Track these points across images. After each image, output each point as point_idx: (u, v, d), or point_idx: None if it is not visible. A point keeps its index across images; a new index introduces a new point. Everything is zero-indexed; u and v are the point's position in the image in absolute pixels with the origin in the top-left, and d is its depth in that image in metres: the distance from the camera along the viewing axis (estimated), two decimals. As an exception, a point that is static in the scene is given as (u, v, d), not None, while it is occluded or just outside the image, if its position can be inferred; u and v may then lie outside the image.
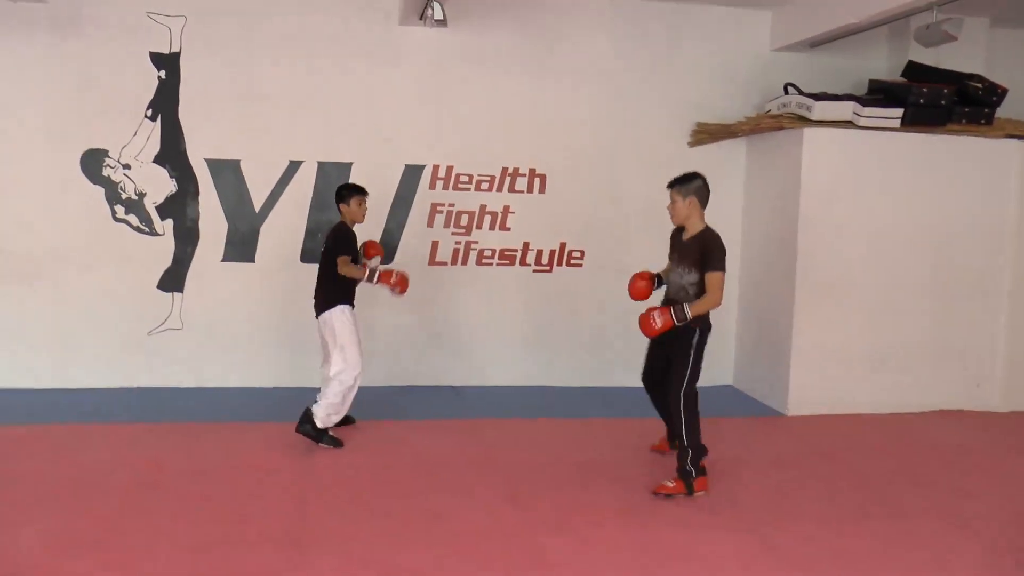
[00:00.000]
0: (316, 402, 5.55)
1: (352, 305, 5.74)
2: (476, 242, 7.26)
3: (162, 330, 6.96)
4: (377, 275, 5.67)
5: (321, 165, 6.99)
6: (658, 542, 4.29)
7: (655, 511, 4.69)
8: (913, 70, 7.14)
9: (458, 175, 7.18)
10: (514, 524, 4.44)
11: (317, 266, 5.82)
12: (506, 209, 7.26)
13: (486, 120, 7.17)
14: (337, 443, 5.56)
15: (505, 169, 7.23)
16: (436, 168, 7.15)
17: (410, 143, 7.09)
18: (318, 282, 5.76)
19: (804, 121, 6.64)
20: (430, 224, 7.18)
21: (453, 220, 7.22)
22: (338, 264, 5.56)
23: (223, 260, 6.99)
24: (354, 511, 4.51)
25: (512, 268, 7.32)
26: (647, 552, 4.17)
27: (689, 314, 4.79)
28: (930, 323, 6.97)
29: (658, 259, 7.39)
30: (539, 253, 7.33)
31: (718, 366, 7.62)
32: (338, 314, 5.62)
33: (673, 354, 5.00)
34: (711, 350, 7.51)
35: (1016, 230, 7.03)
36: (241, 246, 7.00)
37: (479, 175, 7.21)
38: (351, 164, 7.02)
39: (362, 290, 5.80)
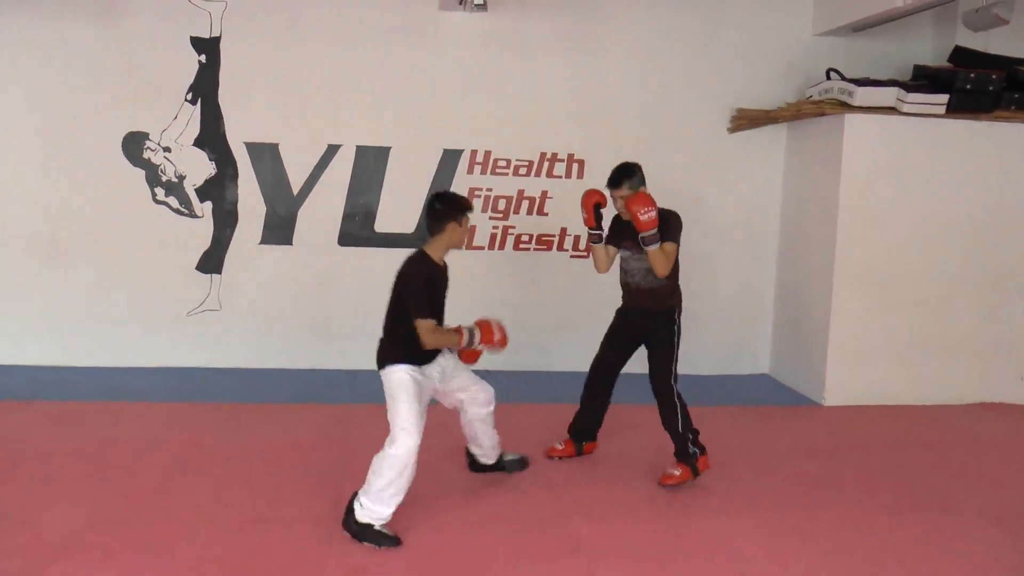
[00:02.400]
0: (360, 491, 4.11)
1: (417, 363, 4.24)
2: (513, 227, 7.25)
3: (201, 311, 7.04)
4: (478, 338, 4.35)
5: (359, 149, 7.01)
6: (688, 530, 4.27)
7: (686, 499, 4.67)
8: (960, 55, 6.97)
9: (496, 160, 7.16)
10: (548, 510, 4.45)
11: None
12: (544, 194, 7.24)
13: (525, 105, 7.14)
14: (393, 541, 4.01)
15: (543, 154, 7.20)
16: (474, 153, 7.14)
17: (448, 127, 7.08)
18: (385, 325, 4.31)
19: (846, 107, 6.52)
20: (467, 209, 7.18)
21: (491, 205, 7.21)
22: (419, 331, 4.10)
23: (261, 243, 7.05)
24: (388, 493, 4.54)
25: (549, 253, 7.29)
26: (678, 540, 4.16)
27: (656, 246, 4.63)
28: (973, 315, 6.83)
29: (696, 243, 7.38)
30: (576, 239, 7.28)
31: (755, 355, 7.59)
32: (399, 374, 4.16)
33: (656, 339, 4.90)
34: (747, 339, 7.59)
35: (1066, 220, 6.88)
36: (279, 229, 7.05)
37: (517, 160, 7.18)
38: (390, 148, 7.03)
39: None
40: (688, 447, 4.84)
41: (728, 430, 5.89)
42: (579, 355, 7.34)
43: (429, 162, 7.09)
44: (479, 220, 7.21)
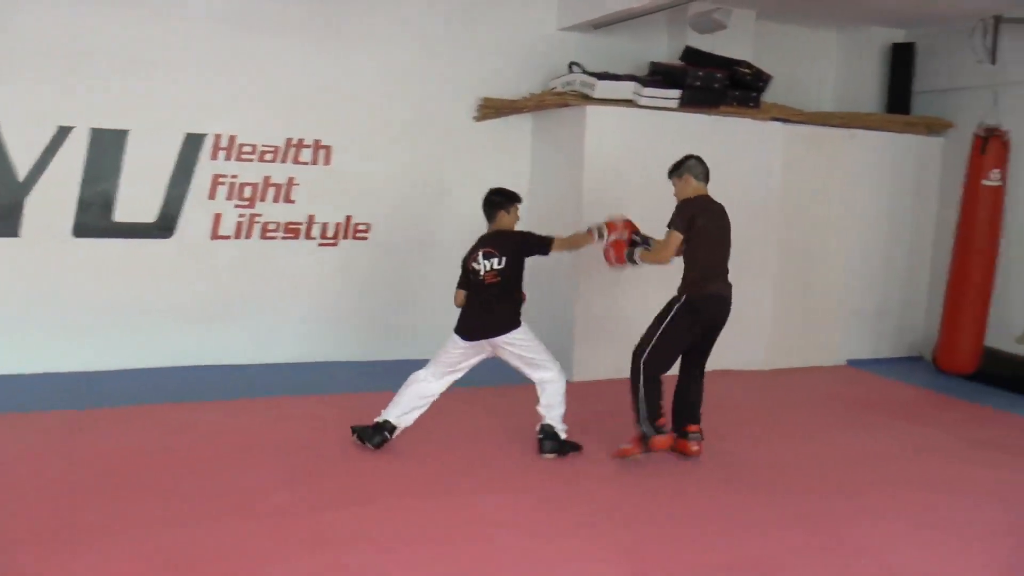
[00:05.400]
0: (544, 419, 5.25)
1: None
2: (260, 215, 7.03)
3: (-100, 314, 6.33)
4: (606, 228, 5.40)
5: (94, 131, 6.54)
6: (443, 511, 4.39)
7: (447, 481, 4.80)
8: (691, 55, 7.52)
9: (241, 145, 6.91)
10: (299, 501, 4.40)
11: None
12: (291, 181, 7.07)
13: (270, 89, 6.94)
14: (577, 447, 5.31)
15: (289, 140, 7.02)
16: (218, 137, 6.84)
17: (190, 110, 6.75)
18: (496, 301, 5.25)
19: (587, 99, 6.86)
20: (212, 196, 6.88)
21: (236, 192, 6.95)
22: (555, 244, 5.30)
23: (-19, 235, 6.43)
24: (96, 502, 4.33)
25: (297, 241, 7.13)
26: (434, 522, 4.25)
27: (638, 259, 5.18)
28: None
29: (444, 229, 7.45)
30: (324, 226, 7.19)
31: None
32: (525, 332, 5.30)
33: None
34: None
35: (779, 206, 7.59)
36: (2, 219, 6.44)
37: (263, 146, 6.97)
38: (127, 131, 6.62)
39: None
40: (638, 423, 5.08)
41: (484, 410, 6.09)
42: (325, 345, 7.28)
43: (171, 147, 6.74)
44: (224, 208, 6.94)
